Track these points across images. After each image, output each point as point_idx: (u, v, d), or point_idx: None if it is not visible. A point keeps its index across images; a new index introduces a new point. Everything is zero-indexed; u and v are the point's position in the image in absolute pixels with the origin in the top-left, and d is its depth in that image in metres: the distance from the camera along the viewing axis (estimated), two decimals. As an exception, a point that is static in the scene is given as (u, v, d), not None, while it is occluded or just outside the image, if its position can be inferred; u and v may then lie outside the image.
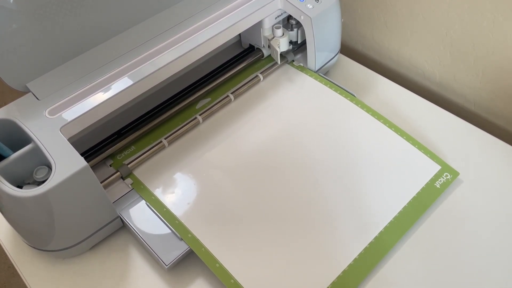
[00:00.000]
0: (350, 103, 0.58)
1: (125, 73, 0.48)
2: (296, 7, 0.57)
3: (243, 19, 0.54)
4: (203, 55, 0.52)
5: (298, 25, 0.60)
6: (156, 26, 0.53)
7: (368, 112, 0.57)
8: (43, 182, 0.42)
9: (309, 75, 0.62)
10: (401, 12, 0.62)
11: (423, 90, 0.67)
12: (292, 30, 0.61)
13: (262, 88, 0.61)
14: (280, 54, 0.61)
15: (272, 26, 0.60)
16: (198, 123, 0.56)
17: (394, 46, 0.67)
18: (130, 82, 0.47)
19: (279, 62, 0.61)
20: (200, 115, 0.56)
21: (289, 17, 0.61)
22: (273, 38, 0.60)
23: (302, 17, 0.57)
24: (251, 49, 0.64)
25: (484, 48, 0.55)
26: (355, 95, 0.58)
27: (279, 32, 0.60)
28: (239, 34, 0.58)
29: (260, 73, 0.61)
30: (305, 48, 0.61)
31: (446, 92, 0.64)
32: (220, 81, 0.59)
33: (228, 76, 0.60)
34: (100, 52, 0.50)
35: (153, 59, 0.49)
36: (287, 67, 0.63)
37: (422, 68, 0.64)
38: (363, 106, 0.57)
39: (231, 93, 0.58)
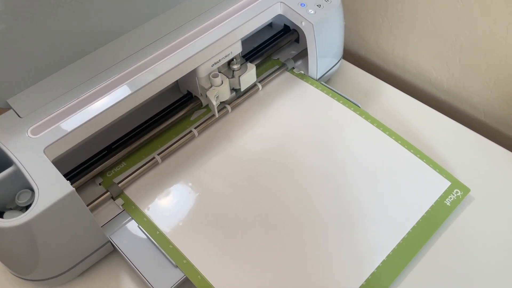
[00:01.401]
0: (355, 114, 0.55)
1: (115, 86, 0.45)
2: (297, 13, 0.54)
3: (244, 23, 0.51)
4: (199, 64, 0.49)
5: (241, 71, 0.53)
6: (149, 34, 0.49)
7: (373, 124, 0.54)
8: (26, 207, 0.39)
9: (310, 84, 0.58)
10: (407, 16, 0.59)
11: (430, 98, 0.64)
12: (233, 77, 0.53)
13: (261, 97, 0.57)
14: (234, 92, 0.55)
15: (209, 74, 0.52)
16: (193, 137, 0.52)
17: (399, 51, 0.63)
18: (121, 96, 0.44)
19: (216, 115, 0.53)
20: (195, 128, 0.53)
21: (230, 62, 0.53)
22: (211, 87, 0.52)
23: (303, 23, 0.54)
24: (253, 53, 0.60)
25: (496, 56, 0.52)
26: (360, 106, 0.55)
27: (217, 81, 0.51)
28: (176, 80, 0.49)
29: (259, 82, 0.58)
30: (306, 54, 0.58)
31: (454, 100, 0.61)
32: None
33: (225, 85, 0.57)
34: (88, 64, 0.46)
35: (146, 70, 0.46)
36: (287, 75, 0.60)
37: (429, 75, 0.61)
38: (368, 117, 0.54)
39: (228, 104, 0.55)
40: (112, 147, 0.51)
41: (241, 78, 0.53)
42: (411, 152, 0.51)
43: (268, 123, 0.54)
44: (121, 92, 0.44)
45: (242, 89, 0.55)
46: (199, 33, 0.50)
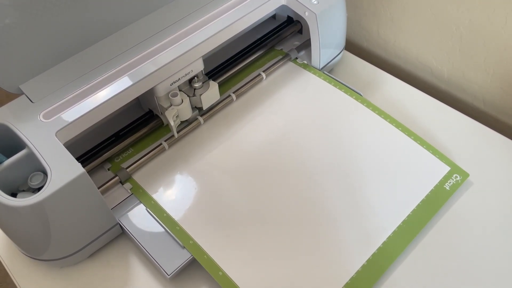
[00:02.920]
0: (356, 102, 0.56)
1: (124, 73, 0.46)
2: (300, 3, 0.55)
3: (250, 12, 0.52)
4: (205, 52, 0.50)
5: (203, 89, 0.51)
6: (156, 23, 0.51)
7: (374, 111, 0.55)
8: (39, 189, 0.41)
9: (313, 73, 0.60)
10: (408, 6, 0.60)
11: (431, 87, 0.65)
12: (194, 95, 0.51)
13: (265, 87, 0.59)
14: (197, 110, 0.53)
15: (168, 93, 0.49)
16: (199, 124, 0.54)
17: (401, 42, 0.65)
18: (130, 82, 0.45)
19: (175, 136, 0.51)
20: (201, 116, 0.54)
21: (192, 80, 0.52)
22: (170, 107, 0.50)
23: (306, 13, 0.55)
24: (259, 43, 0.62)
25: (495, 45, 0.53)
26: (362, 94, 0.57)
27: (176, 100, 0.49)
28: (137, 97, 0.47)
29: (263, 71, 0.59)
30: (309, 45, 0.59)
31: (455, 89, 0.62)
32: (222, 80, 0.57)
33: (230, 74, 0.58)
34: (97, 51, 0.48)
35: (153, 58, 0.47)
36: (291, 65, 0.61)
37: (430, 65, 0.62)
38: (369, 105, 0.56)
39: (233, 92, 0.56)
40: (120, 133, 0.52)
41: (202, 97, 0.51)
42: (412, 138, 0.53)
43: (272, 112, 0.56)
44: (135, 76, 0.46)
45: (204, 107, 0.53)
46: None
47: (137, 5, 0.50)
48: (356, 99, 0.56)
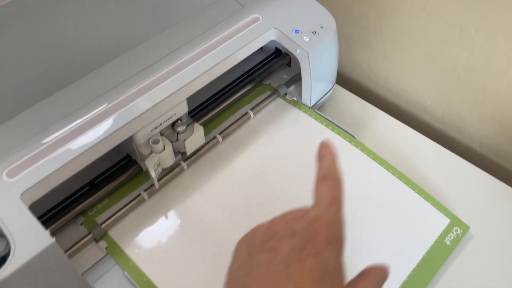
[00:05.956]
0: (350, 145, 0.53)
1: (99, 121, 0.41)
2: (291, 39, 0.51)
3: (238, 50, 0.48)
4: (190, 94, 0.46)
5: (187, 133, 0.47)
6: (134, 63, 0.46)
7: (369, 156, 0.52)
8: (2, 258, 0.36)
9: (304, 111, 0.56)
10: (402, 41, 0.58)
11: (424, 125, 0.62)
12: (177, 140, 0.47)
13: (253, 126, 0.55)
14: (180, 154, 0.48)
15: (149, 140, 0.45)
16: (182, 170, 0.50)
17: (393, 77, 0.62)
18: (106, 132, 0.40)
19: (157, 186, 0.47)
20: (184, 161, 0.50)
21: (174, 123, 0.47)
22: (150, 154, 0.46)
23: (298, 50, 0.51)
24: (246, 76, 0.58)
25: (495, 89, 0.51)
26: (355, 136, 0.53)
27: (158, 147, 0.45)
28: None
29: (251, 109, 0.55)
30: (299, 79, 0.55)
31: (449, 129, 0.59)
32: (207, 119, 0.53)
33: (216, 113, 0.54)
34: (68, 96, 0.43)
35: (132, 103, 0.43)
36: (280, 101, 0.57)
37: (424, 103, 0.60)
38: (364, 148, 0.52)
39: (219, 133, 0.52)
40: (95, 182, 0.47)
41: (186, 143, 0.47)
42: (409, 186, 0.50)
43: (260, 155, 0.52)
44: (98, 133, 0.41)
45: (188, 153, 0.48)
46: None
47: (111, 45, 0.46)
48: (350, 141, 0.53)
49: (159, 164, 0.46)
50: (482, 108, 0.53)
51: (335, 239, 0.20)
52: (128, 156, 0.49)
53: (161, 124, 0.45)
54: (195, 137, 0.48)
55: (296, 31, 0.52)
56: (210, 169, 0.50)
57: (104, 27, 0.49)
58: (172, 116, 0.46)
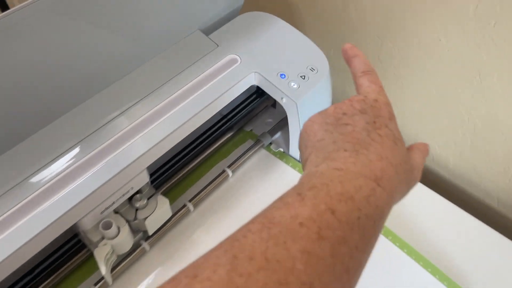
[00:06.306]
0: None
1: (34, 207, 0.32)
2: (276, 87, 0.42)
3: (213, 102, 0.40)
4: (152, 161, 0.37)
5: (147, 210, 0.38)
6: (79, 124, 0.37)
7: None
8: None
9: (292, 166, 0.47)
10: (407, 82, 0.49)
11: (431, 174, 0.54)
12: (136, 219, 0.37)
13: (232, 186, 0.46)
14: (141, 232, 0.39)
15: (99, 222, 0.36)
16: (144, 252, 0.40)
17: (397, 121, 0.53)
18: (43, 223, 0.32)
19: (110, 283, 0.38)
20: (146, 240, 0.40)
21: (132, 197, 0.38)
22: (101, 240, 0.36)
23: (284, 99, 0.42)
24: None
25: (520, 144, 0.43)
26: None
27: (110, 233, 0.35)
28: None
29: (228, 166, 0.46)
30: (286, 124, 0.46)
31: (461, 182, 0.51)
32: (174, 182, 0.44)
33: (186, 173, 0.45)
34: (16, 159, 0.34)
35: (76, 182, 0.33)
36: (264, 153, 0.49)
37: (432, 152, 0.51)
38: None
39: (189, 200, 0.43)
40: (35, 270, 0.38)
41: (147, 222, 0.37)
42: (420, 265, 0.41)
43: (242, 221, 0.43)
44: (35, 225, 0.32)
45: (150, 233, 0.39)
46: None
47: (63, 93, 0.36)
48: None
49: (113, 252, 0.37)
50: (503, 161, 0.45)
51: (392, 115, 0.25)
52: (76, 235, 0.40)
53: (113, 203, 0.36)
54: (159, 213, 0.39)
55: (281, 75, 0.43)
56: (178, 249, 0.41)
57: (56, 64, 0.40)
58: (128, 191, 0.37)
